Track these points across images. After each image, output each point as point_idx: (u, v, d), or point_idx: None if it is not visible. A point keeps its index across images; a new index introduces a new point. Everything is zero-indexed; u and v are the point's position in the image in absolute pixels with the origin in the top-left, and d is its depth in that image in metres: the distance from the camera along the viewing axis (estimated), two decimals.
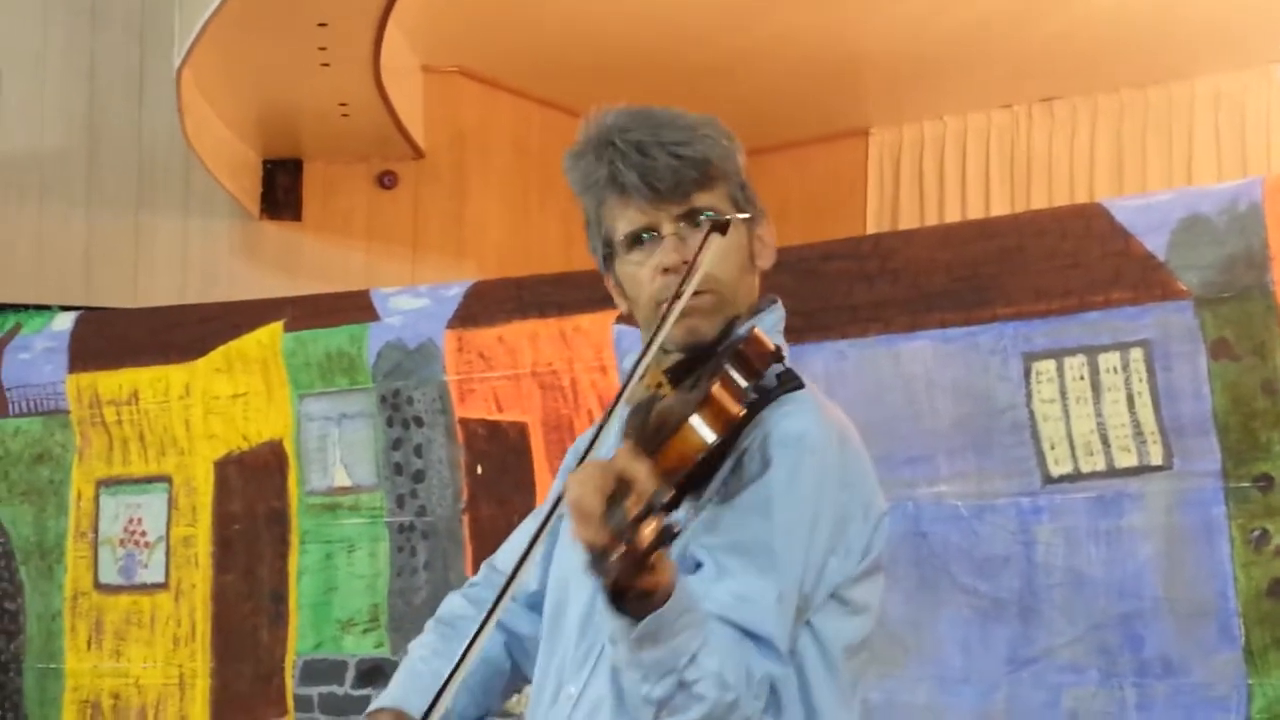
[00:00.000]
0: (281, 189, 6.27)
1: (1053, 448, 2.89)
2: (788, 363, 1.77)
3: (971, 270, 3.01)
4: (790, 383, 1.73)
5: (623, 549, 1.47)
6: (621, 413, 1.77)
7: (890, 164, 7.37)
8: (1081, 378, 2.88)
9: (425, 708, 1.76)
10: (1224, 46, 6.35)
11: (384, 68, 5.41)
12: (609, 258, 1.90)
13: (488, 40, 6.41)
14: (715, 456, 1.65)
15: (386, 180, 6.39)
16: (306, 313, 3.77)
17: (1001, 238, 3.05)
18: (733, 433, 1.64)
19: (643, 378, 1.76)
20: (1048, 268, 2.93)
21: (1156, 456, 2.81)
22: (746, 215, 1.87)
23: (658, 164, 1.79)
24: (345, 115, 5.78)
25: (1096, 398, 2.86)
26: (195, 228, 6.28)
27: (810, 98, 6.81)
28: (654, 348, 1.74)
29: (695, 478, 1.64)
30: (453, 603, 2.14)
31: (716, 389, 1.63)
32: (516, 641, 2.10)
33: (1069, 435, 2.88)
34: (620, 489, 1.51)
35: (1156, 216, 2.86)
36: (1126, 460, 2.83)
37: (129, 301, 5.29)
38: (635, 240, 1.84)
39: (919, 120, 7.26)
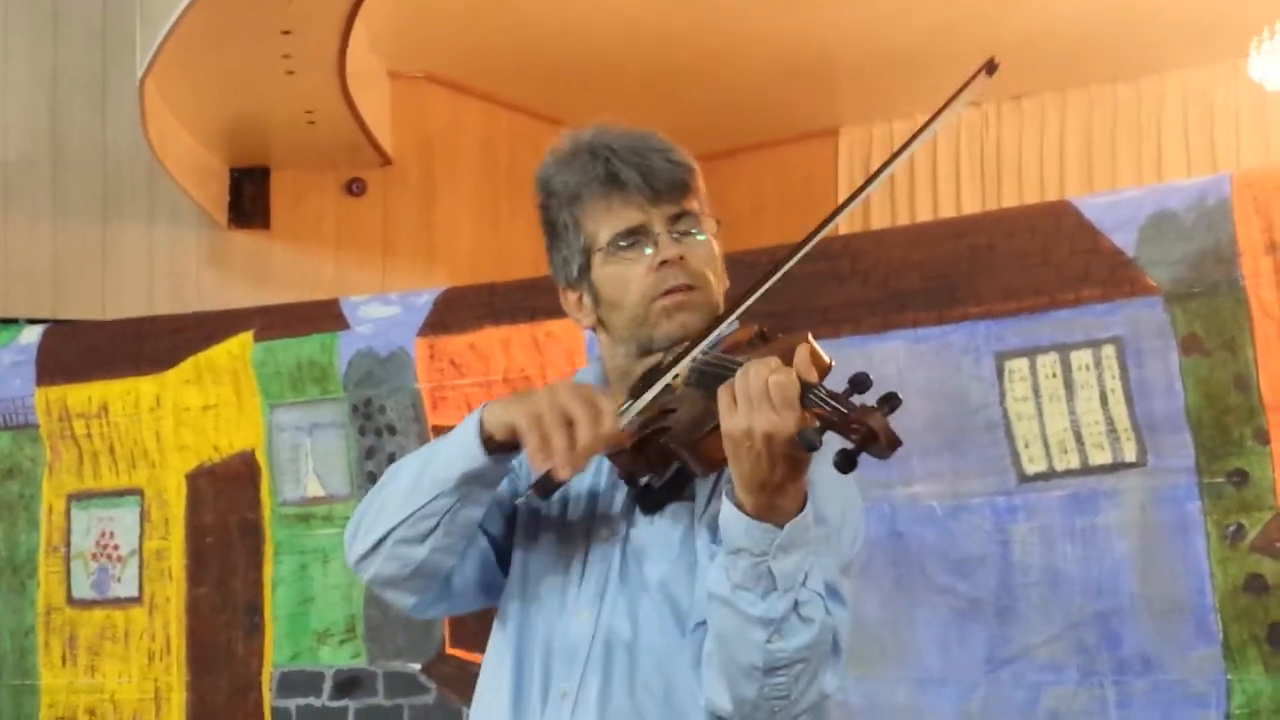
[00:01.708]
0: (249, 198, 6.24)
1: (1027, 446, 2.89)
2: None
3: (942, 270, 3.01)
4: None
5: (860, 407, 1.53)
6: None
7: (860, 163, 7.38)
8: (1054, 375, 2.88)
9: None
10: (1192, 42, 6.38)
11: (350, 74, 5.39)
12: (584, 267, 1.92)
13: (454, 45, 6.39)
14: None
15: (355, 187, 6.36)
16: (276, 322, 3.75)
17: (971, 236, 3.04)
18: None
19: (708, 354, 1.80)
20: (1018, 266, 2.93)
21: (1130, 453, 2.81)
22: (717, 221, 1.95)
23: (654, 165, 1.88)
24: (311, 123, 5.75)
25: (1069, 395, 2.86)
26: (162, 237, 6.24)
27: (780, 98, 6.82)
28: (733, 317, 1.83)
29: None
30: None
31: (809, 339, 1.70)
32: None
33: (1043, 433, 2.88)
34: (810, 381, 1.59)
35: (1125, 213, 2.86)
36: (1101, 458, 2.83)
37: (97, 313, 5.26)
38: (625, 240, 1.89)
39: (889, 119, 7.28)
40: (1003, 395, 2.91)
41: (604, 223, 1.90)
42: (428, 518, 1.86)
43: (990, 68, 1.85)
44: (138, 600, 3.82)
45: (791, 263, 1.86)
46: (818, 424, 1.56)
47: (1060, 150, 6.81)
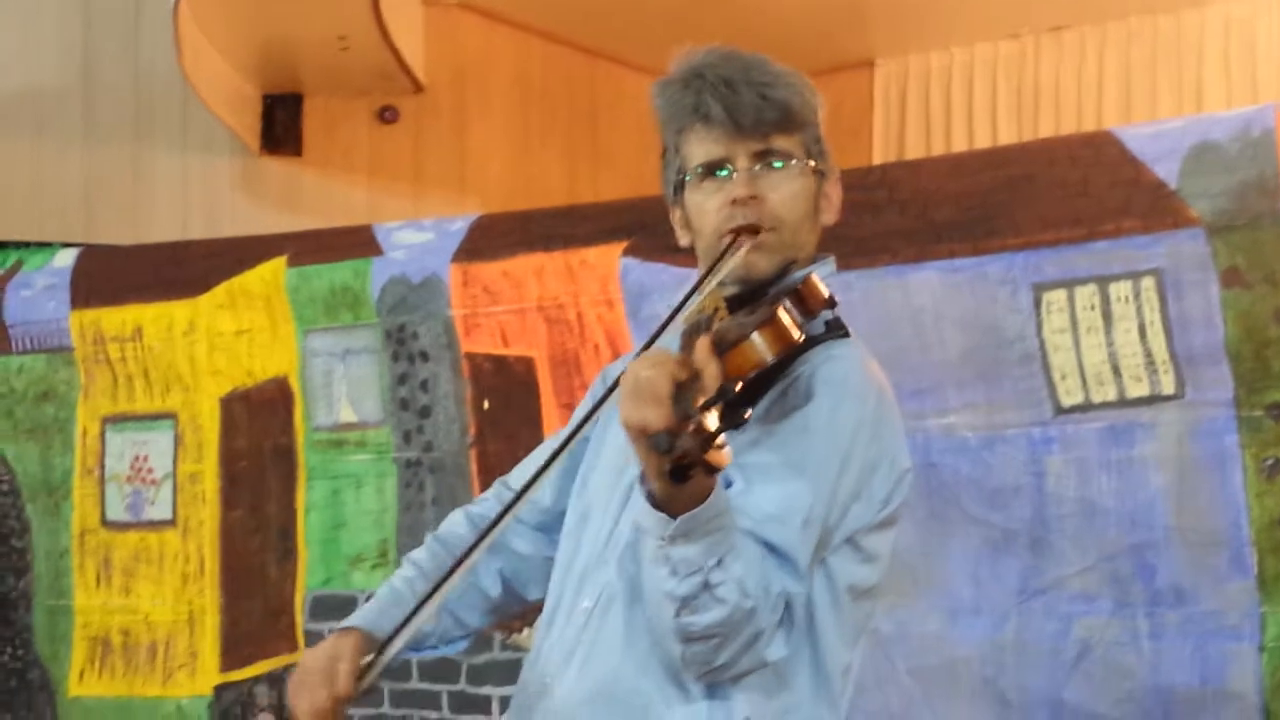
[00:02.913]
0: (281, 124, 6.21)
1: (1063, 378, 2.87)
2: (839, 313, 1.85)
3: (980, 200, 2.98)
4: (839, 330, 1.81)
5: (692, 427, 1.52)
6: (672, 335, 1.83)
7: (896, 95, 7.31)
8: (1092, 307, 2.86)
9: (391, 631, 1.90)
10: None
11: (383, 1, 5.35)
12: (679, 187, 1.96)
13: None
14: (765, 379, 1.71)
15: (387, 115, 6.32)
16: (309, 248, 3.75)
17: (1010, 167, 3.02)
18: (787, 358, 1.70)
19: (699, 302, 1.82)
20: (1057, 197, 2.91)
21: (1168, 386, 2.79)
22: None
23: (742, 99, 1.88)
24: (345, 49, 5.71)
25: (1108, 327, 2.84)
26: (195, 164, 6.22)
27: (815, 29, 6.74)
28: (721, 272, 1.83)
29: (746, 393, 1.67)
30: (454, 520, 2.20)
31: (780, 312, 1.70)
32: (516, 562, 2.15)
33: (1080, 365, 2.86)
34: (689, 379, 1.58)
35: (1167, 144, 2.83)
36: (1138, 390, 2.82)
37: (129, 238, 5.25)
38: (709, 171, 1.92)
39: (925, 51, 7.19)
40: (1039, 327, 2.90)
41: (693, 151, 1.94)
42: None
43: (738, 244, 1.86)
44: (171, 523, 3.85)
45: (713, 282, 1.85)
46: (689, 425, 1.55)
47: (1099, 84, 6.72)
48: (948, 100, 7.13)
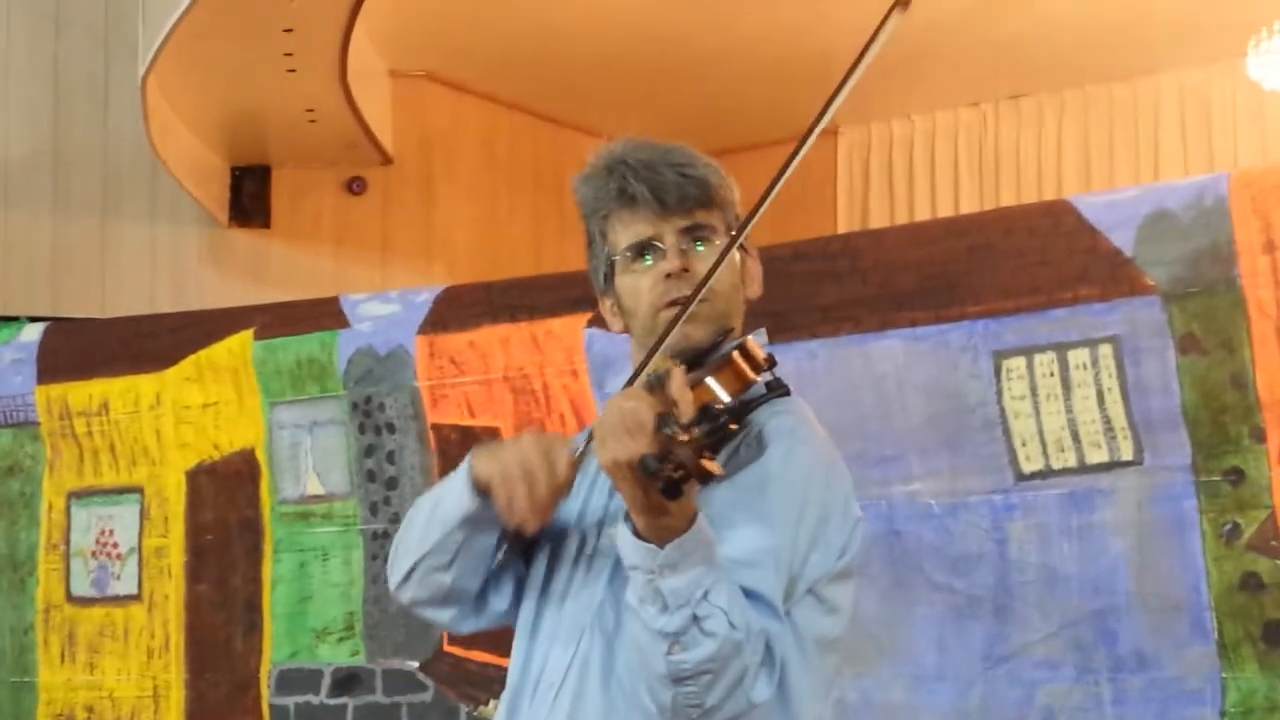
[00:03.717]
0: (249, 196, 6.24)
1: (1024, 444, 2.90)
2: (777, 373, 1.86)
3: (941, 269, 3.01)
4: (780, 389, 1.82)
5: (684, 437, 1.59)
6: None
7: (860, 162, 7.39)
8: (1051, 374, 2.89)
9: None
10: (1189, 42, 6.39)
11: (351, 73, 5.39)
12: (609, 276, 2.01)
13: (455, 44, 6.39)
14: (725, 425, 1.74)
15: (355, 186, 6.37)
16: (276, 320, 3.76)
17: (970, 236, 3.05)
18: (740, 406, 1.72)
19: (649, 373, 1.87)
20: (1016, 265, 2.94)
21: (1127, 452, 2.81)
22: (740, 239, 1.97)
23: (665, 179, 1.94)
24: (313, 121, 5.76)
25: (1067, 394, 2.87)
26: (163, 235, 6.24)
27: (779, 98, 6.81)
28: (669, 338, 1.88)
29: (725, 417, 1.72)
30: None
31: (735, 355, 1.79)
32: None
33: (1040, 432, 2.89)
34: (667, 410, 1.64)
35: (1123, 213, 2.87)
36: (1097, 456, 2.84)
37: (97, 310, 5.26)
38: (639, 252, 1.97)
39: (887, 119, 7.29)
40: (1000, 394, 2.92)
41: (620, 235, 1.98)
42: (445, 551, 1.98)
43: (904, 4, 1.93)
44: (137, 598, 3.83)
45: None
46: (658, 451, 1.60)
47: (1058, 150, 6.81)
48: (910, 166, 7.21)
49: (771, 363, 1.83)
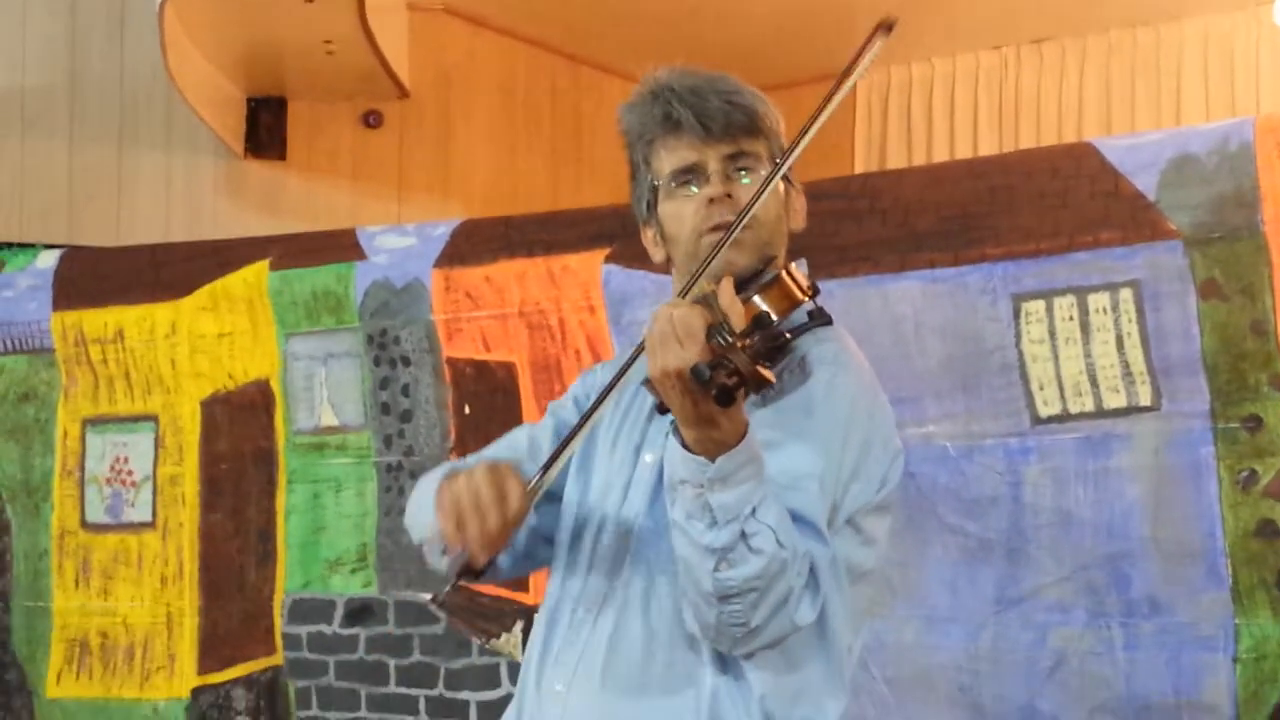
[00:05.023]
0: (265, 127, 6.20)
1: (1041, 388, 2.89)
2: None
3: (961, 210, 3.00)
4: (822, 318, 1.81)
5: (740, 345, 1.58)
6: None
7: (878, 106, 7.33)
8: (1071, 318, 2.88)
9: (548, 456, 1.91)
10: None
11: (369, 5, 5.35)
12: (652, 204, 2.00)
13: None
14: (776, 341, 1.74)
15: (371, 119, 6.32)
16: (292, 251, 3.75)
17: (991, 177, 3.03)
18: (789, 332, 1.71)
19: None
20: (1037, 207, 2.92)
21: (1145, 397, 2.81)
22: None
23: (711, 105, 1.94)
24: (330, 53, 5.71)
25: (1086, 338, 2.86)
26: (179, 165, 6.22)
27: (797, 39, 6.76)
28: (713, 262, 1.85)
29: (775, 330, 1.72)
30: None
31: (784, 275, 1.79)
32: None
33: (1058, 376, 2.88)
34: (718, 319, 1.63)
35: (1146, 156, 2.85)
36: (1115, 401, 2.83)
37: (112, 239, 5.25)
38: (683, 178, 1.96)
39: (907, 62, 7.22)
40: (1018, 337, 2.91)
41: (665, 161, 1.98)
42: (437, 546, 2.00)
43: (887, 27, 1.92)
44: (151, 525, 3.84)
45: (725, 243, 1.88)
46: (711, 358, 1.60)
47: (1079, 96, 6.75)
48: (929, 110, 7.16)
49: (815, 290, 1.83)
